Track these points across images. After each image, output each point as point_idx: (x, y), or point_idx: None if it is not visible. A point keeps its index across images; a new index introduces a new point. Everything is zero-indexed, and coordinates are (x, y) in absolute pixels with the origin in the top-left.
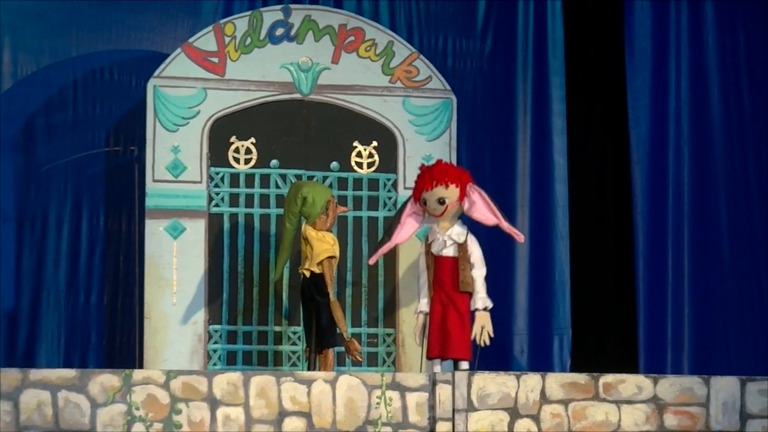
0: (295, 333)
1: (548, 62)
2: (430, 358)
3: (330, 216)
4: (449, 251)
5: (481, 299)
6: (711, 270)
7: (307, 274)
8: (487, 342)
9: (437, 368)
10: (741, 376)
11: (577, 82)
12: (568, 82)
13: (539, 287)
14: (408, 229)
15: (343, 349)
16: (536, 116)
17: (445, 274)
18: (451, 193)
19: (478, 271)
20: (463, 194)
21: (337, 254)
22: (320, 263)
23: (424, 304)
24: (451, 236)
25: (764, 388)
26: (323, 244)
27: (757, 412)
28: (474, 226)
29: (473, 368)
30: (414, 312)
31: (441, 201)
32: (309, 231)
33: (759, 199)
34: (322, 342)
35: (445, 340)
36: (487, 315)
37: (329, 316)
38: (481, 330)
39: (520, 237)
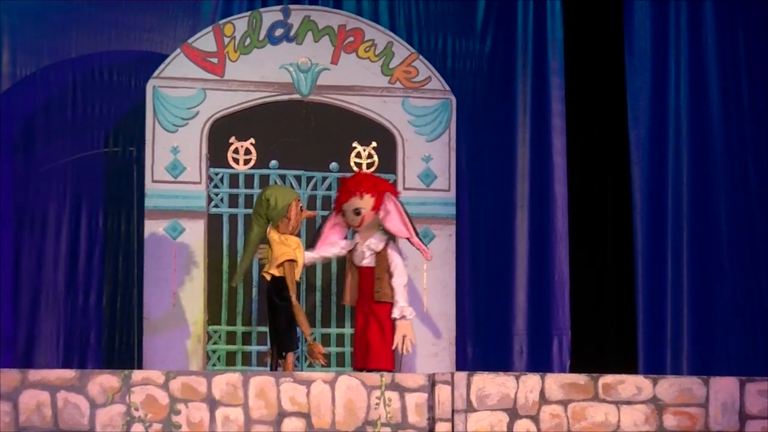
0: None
1: (548, 62)
2: (355, 368)
3: (293, 219)
4: (368, 261)
5: (399, 308)
6: (710, 270)
7: (268, 277)
8: (410, 351)
9: None
10: (740, 377)
11: (576, 83)
12: (568, 82)
13: (538, 288)
14: (331, 239)
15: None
16: (536, 116)
17: (365, 284)
18: (366, 203)
19: (398, 280)
20: (379, 204)
21: (299, 258)
22: (281, 266)
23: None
24: (369, 246)
25: (764, 388)
26: (283, 248)
27: (756, 413)
28: (477, 228)
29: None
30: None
31: (356, 212)
32: (272, 234)
33: (758, 199)
34: (281, 346)
35: (366, 352)
36: (408, 323)
37: (288, 320)
38: (403, 339)
39: (427, 254)
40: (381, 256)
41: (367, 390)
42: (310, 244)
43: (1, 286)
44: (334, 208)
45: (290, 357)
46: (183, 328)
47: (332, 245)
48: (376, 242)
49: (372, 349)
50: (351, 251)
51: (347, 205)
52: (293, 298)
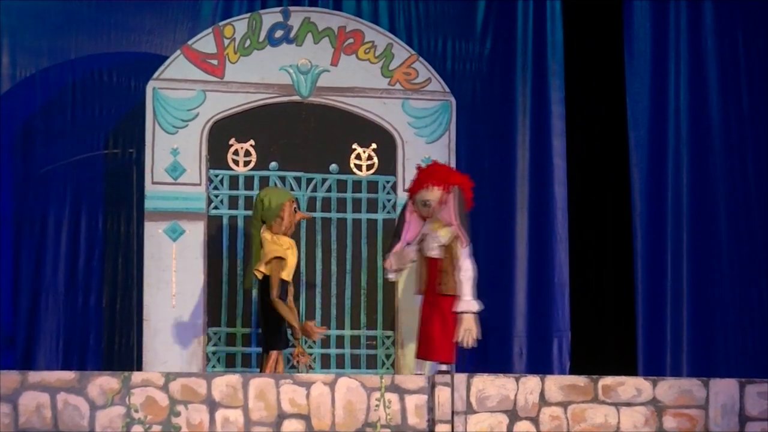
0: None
1: (547, 64)
2: (417, 357)
3: (286, 220)
4: (435, 252)
5: (464, 302)
6: (710, 272)
7: (259, 276)
8: (470, 345)
9: (419, 369)
10: (740, 379)
11: (576, 85)
12: (568, 84)
13: (538, 289)
14: (415, 226)
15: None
16: (535, 118)
17: (431, 276)
18: (434, 195)
19: (464, 274)
20: (448, 195)
21: (289, 257)
22: (268, 264)
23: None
24: (437, 237)
25: (763, 390)
26: (274, 246)
27: (756, 415)
28: (477, 229)
29: (455, 370)
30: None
31: (425, 203)
32: (265, 234)
33: (758, 201)
34: (267, 344)
35: (426, 343)
36: (472, 318)
37: (273, 318)
38: (465, 332)
39: (464, 241)
40: (448, 248)
41: (366, 392)
42: (395, 233)
43: (1, 288)
44: (408, 195)
45: (272, 355)
46: (183, 329)
47: (417, 230)
48: (444, 234)
49: (433, 342)
50: (421, 240)
51: (417, 196)
52: (273, 295)
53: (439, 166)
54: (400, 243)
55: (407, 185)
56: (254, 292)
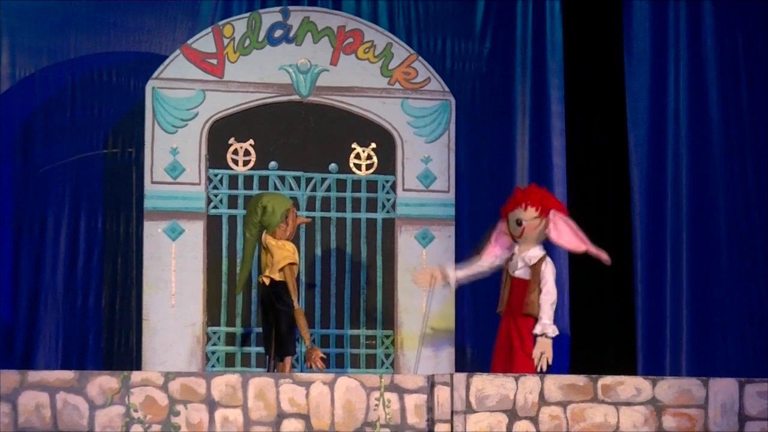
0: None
1: (547, 64)
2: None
3: (290, 225)
4: (521, 273)
5: (542, 325)
6: (709, 272)
7: (267, 282)
8: (544, 368)
9: None
10: (739, 378)
11: (575, 84)
12: (567, 83)
13: None
14: (498, 247)
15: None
16: (535, 118)
17: (514, 295)
18: (528, 215)
19: (546, 297)
20: (543, 217)
21: (298, 262)
22: (281, 270)
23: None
24: (525, 258)
25: (763, 390)
26: (284, 252)
27: (755, 414)
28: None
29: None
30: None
31: (518, 222)
32: (269, 240)
33: (757, 201)
34: (282, 350)
35: (507, 363)
36: (549, 342)
37: (289, 324)
38: (540, 355)
39: (606, 259)
40: (535, 269)
41: (366, 391)
42: (478, 251)
43: (0, 287)
44: (502, 215)
45: (288, 361)
46: (182, 329)
47: (489, 256)
48: (532, 255)
49: (514, 362)
50: (508, 260)
51: (512, 214)
52: (296, 303)
53: (537, 188)
54: (480, 260)
55: (407, 185)
56: (253, 293)
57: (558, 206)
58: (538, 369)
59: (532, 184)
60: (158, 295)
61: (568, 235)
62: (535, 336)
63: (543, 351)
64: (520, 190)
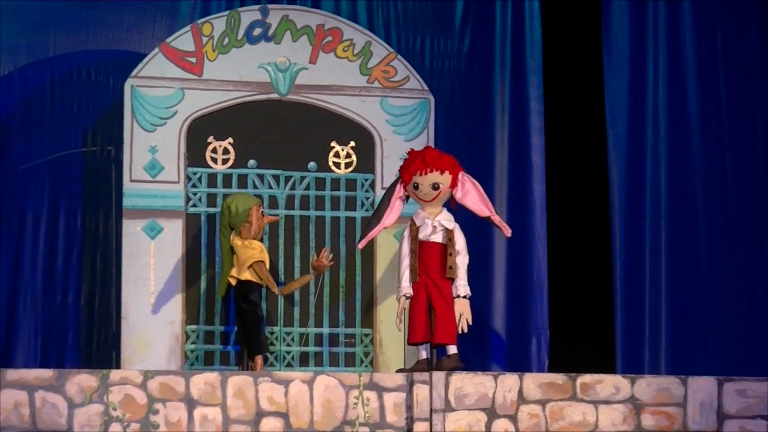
0: (272, 333)
1: (526, 62)
2: (412, 343)
3: (254, 224)
4: (437, 237)
5: (463, 286)
6: (688, 270)
7: (233, 282)
8: (465, 329)
9: (423, 353)
10: (718, 377)
11: (554, 82)
12: (546, 81)
13: (517, 287)
14: (396, 212)
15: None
16: (514, 116)
17: (433, 260)
18: (445, 179)
19: (462, 259)
20: (455, 182)
21: (266, 259)
22: (250, 268)
23: (407, 288)
24: (441, 222)
25: (741, 388)
26: (248, 251)
27: (734, 413)
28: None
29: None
30: (396, 296)
31: (435, 186)
32: (235, 240)
33: (736, 199)
34: (251, 349)
35: (430, 326)
36: (467, 302)
37: (255, 322)
38: (460, 317)
39: (507, 231)
40: (450, 233)
41: (345, 390)
42: (374, 215)
43: None
44: (400, 179)
45: (259, 359)
46: (161, 327)
47: (392, 220)
48: (447, 220)
49: (440, 324)
50: (412, 226)
51: (424, 178)
52: (276, 290)
53: (440, 152)
54: (378, 226)
55: (386, 183)
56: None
57: (462, 168)
58: (460, 330)
59: (429, 147)
60: (137, 293)
61: (474, 198)
62: (455, 298)
63: (462, 312)
64: (426, 154)
